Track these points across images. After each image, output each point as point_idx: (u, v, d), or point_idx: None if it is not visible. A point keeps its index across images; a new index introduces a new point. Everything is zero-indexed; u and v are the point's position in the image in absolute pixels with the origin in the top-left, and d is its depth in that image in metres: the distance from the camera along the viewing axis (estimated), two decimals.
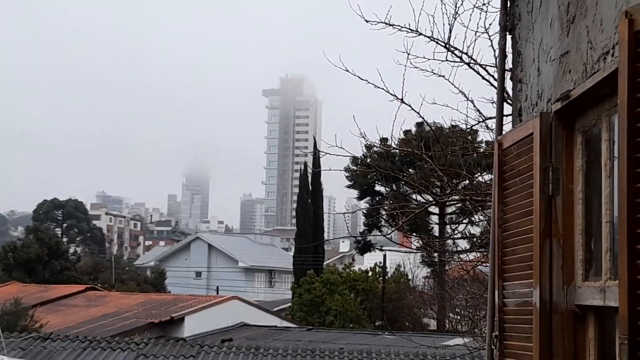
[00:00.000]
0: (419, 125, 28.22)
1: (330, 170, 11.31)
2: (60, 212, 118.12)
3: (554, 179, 4.07)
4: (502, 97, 5.51)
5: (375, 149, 17.85)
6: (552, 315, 4.07)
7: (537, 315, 4.11)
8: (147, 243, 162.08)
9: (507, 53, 5.43)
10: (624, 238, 2.85)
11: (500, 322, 4.76)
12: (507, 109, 5.73)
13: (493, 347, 4.94)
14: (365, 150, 16.65)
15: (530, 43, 4.83)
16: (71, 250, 76.66)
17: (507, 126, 5.66)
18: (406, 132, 24.71)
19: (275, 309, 46.81)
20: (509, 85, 5.56)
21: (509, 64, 5.41)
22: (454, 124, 9.86)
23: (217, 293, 57.21)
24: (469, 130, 9.93)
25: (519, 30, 5.14)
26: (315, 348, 21.72)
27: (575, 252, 4.02)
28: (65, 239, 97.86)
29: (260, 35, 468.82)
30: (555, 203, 4.07)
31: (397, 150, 15.21)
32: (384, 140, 13.34)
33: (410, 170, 24.64)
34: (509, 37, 5.37)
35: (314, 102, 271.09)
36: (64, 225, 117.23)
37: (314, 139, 66.13)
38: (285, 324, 37.78)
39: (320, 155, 13.19)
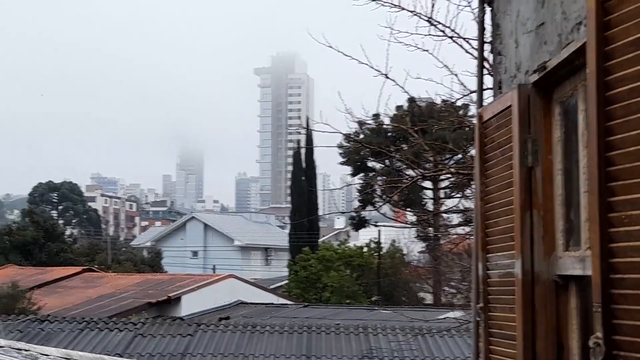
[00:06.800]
0: (410, 100, 28.20)
1: (320, 146, 11.34)
2: (55, 194, 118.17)
3: (533, 151, 4.08)
4: (482, 70, 5.51)
5: (367, 125, 17.90)
6: (534, 285, 4.09)
7: (519, 286, 4.13)
8: (143, 224, 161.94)
9: (486, 26, 5.43)
10: (594, 207, 2.87)
11: (484, 293, 4.78)
12: (490, 81, 5.74)
13: (478, 319, 4.97)
14: (357, 127, 16.69)
15: (508, 15, 4.83)
16: (67, 232, 76.49)
17: (490, 100, 5.66)
18: (398, 107, 24.66)
19: (271, 287, 46.89)
20: (490, 58, 5.56)
21: (489, 37, 5.41)
22: (444, 98, 9.87)
23: (214, 272, 57.25)
24: (458, 105, 9.93)
25: (497, 3, 5.13)
26: (312, 324, 21.78)
27: (555, 222, 4.04)
28: (61, 221, 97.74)
29: (251, 12, 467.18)
30: (535, 174, 4.09)
31: (390, 126, 15.21)
32: (375, 116, 13.34)
33: (403, 146, 24.65)
34: (488, 10, 5.37)
35: (306, 80, 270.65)
36: (60, 207, 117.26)
37: (307, 117, 66.14)
38: (282, 301, 37.88)
39: (312, 133, 13.18)
